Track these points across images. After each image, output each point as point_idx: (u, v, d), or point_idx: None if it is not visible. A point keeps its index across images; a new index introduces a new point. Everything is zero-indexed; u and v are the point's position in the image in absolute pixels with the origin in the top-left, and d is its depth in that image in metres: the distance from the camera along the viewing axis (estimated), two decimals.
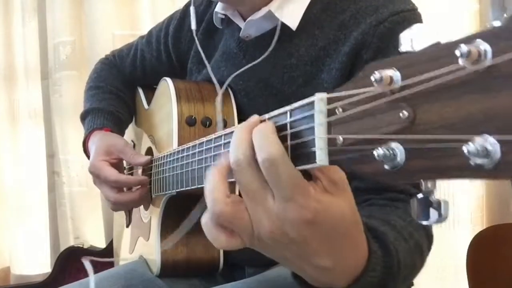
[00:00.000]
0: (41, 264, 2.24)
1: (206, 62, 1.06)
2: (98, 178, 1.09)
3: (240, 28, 1.00)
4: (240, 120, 1.01)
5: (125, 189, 1.10)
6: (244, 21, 0.99)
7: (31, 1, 2.15)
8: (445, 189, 1.55)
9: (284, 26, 0.93)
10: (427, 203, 0.35)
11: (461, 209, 1.61)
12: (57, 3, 2.03)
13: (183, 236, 1.01)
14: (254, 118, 0.52)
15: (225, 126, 0.99)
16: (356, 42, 0.85)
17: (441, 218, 0.35)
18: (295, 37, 0.93)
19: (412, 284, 1.05)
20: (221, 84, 1.03)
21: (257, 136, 0.48)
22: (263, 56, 0.93)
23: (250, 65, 0.96)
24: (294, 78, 0.92)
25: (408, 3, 0.87)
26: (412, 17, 0.85)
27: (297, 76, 0.92)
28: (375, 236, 0.61)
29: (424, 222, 0.36)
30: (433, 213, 0.36)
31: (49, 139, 2.19)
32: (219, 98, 1.00)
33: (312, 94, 0.89)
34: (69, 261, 1.97)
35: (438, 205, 0.35)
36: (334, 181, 0.48)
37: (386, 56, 0.82)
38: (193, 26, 1.09)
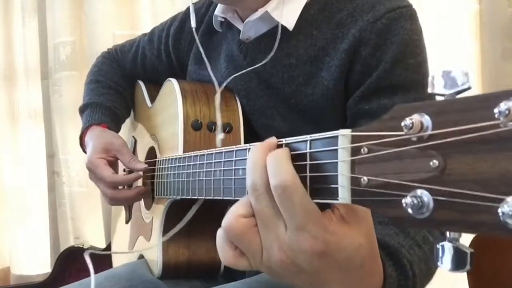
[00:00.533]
0: (41, 264, 2.23)
1: (205, 59, 1.07)
2: (95, 175, 1.12)
3: (239, 31, 1.02)
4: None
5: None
6: (243, 23, 1.01)
7: (31, 1, 2.13)
8: None
9: (282, 27, 0.94)
10: (450, 251, 0.35)
11: None
12: (57, 3, 2.02)
13: (184, 234, 1.02)
14: (272, 140, 0.52)
15: (230, 130, 0.99)
16: (354, 39, 0.86)
17: (463, 268, 0.35)
18: (293, 38, 0.94)
19: None
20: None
21: (271, 162, 0.48)
22: (265, 60, 0.94)
23: (251, 68, 0.97)
24: (294, 77, 0.93)
25: (403, 0, 0.89)
26: (408, 13, 0.87)
27: (297, 75, 0.93)
28: (388, 253, 0.61)
29: (446, 270, 0.36)
30: (454, 261, 0.35)
31: (49, 139, 2.18)
32: (217, 99, 0.99)
33: (312, 93, 0.92)
34: (69, 261, 1.97)
35: (461, 255, 0.34)
36: (353, 208, 0.47)
37: (384, 52, 0.84)
38: (193, 24, 1.09)
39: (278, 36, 0.94)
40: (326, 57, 0.90)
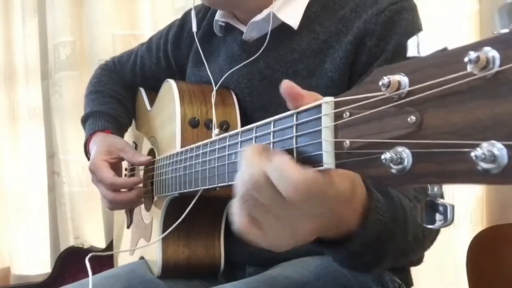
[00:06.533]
0: (41, 264, 2.23)
1: (204, 59, 1.08)
2: (96, 177, 1.12)
3: (241, 32, 1.04)
4: (242, 120, 1.02)
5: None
6: (244, 25, 1.03)
7: (31, 1, 2.14)
8: (445, 189, 1.54)
9: (285, 25, 0.97)
10: (433, 207, 0.36)
11: (461, 209, 1.61)
12: (57, 3, 2.03)
13: (184, 233, 1.02)
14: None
15: (227, 127, 1.00)
16: (359, 31, 0.90)
17: (446, 222, 0.35)
18: (296, 35, 0.97)
19: (412, 284, 1.06)
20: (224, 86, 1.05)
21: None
22: (259, 51, 0.98)
23: (248, 60, 1.00)
24: (298, 71, 0.96)
25: None
26: (410, 7, 0.91)
27: (300, 69, 0.96)
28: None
29: (430, 226, 0.36)
30: (438, 217, 0.36)
31: (49, 139, 2.18)
32: (214, 95, 1.01)
33: (316, 85, 0.93)
34: (69, 261, 1.97)
35: (443, 209, 0.35)
36: None
37: (388, 43, 0.87)
38: (194, 28, 1.11)
39: (269, 32, 0.97)
40: (330, 49, 0.93)
